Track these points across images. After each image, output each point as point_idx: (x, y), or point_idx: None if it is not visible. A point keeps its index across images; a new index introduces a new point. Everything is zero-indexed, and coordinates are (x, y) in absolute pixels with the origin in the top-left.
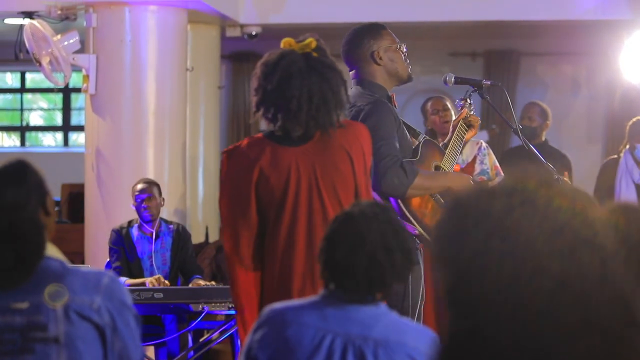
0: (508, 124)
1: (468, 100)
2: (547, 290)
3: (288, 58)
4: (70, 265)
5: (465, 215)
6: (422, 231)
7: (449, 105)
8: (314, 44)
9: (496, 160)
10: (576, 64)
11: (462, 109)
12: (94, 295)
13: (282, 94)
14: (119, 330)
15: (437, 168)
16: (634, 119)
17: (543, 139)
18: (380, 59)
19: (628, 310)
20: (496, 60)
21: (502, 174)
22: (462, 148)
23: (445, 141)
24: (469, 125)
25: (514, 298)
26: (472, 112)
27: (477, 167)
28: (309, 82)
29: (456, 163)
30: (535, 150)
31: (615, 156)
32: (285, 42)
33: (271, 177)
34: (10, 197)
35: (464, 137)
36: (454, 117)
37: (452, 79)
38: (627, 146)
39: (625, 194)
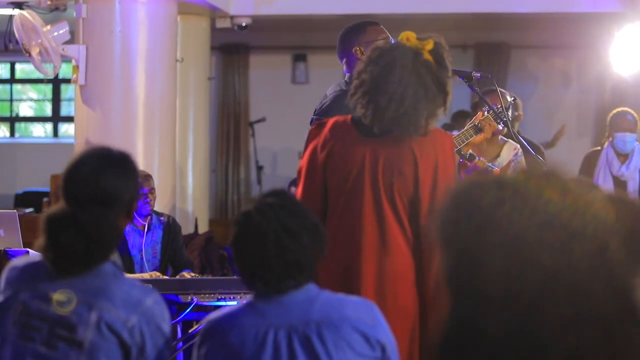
0: (498, 116)
1: (489, 110)
2: (538, 283)
3: (398, 51)
4: (122, 273)
5: (457, 208)
6: None
7: None
8: (430, 45)
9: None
10: (567, 57)
11: (481, 112)
12: (132, 313)
13: (378, 86)
14: (147, 353)
15: None
16: (615, 111)
17: (515, 129)
18: (362, 53)
19: (619, 301)
20: (487, 52)
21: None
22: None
23: None
24: (479, 129)
25: (505, 290)
26: (487, 116)
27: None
28: (406, 81)
29: (495, 168)
30: (525, 143)
31: (599, 148)
32: (404, 36)
33: (338, 162)
34: (107, 187)
35: (468, 139)
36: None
37: None
38: (610, 138)
39: (603, 186)
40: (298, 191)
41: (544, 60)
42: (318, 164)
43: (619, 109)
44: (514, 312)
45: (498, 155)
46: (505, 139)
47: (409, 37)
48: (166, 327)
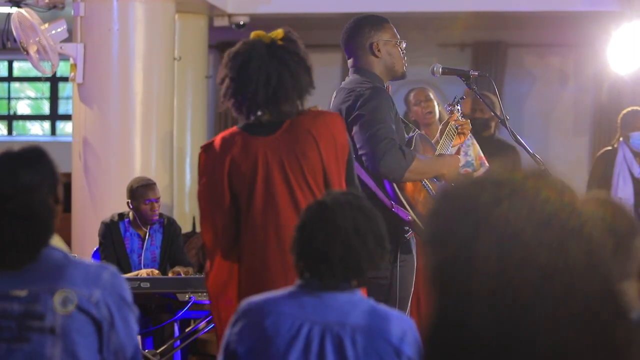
0: (495, 114)
1: (456, 106)
2: (534, 282)
3: (249, 44)
4: (72, 256)
5: (454, 206)
6: (414, 217)
7: (432, 96)
8: (281, 34)
9: (480, 151)
10: (564, 56)
11: (451, 113)
12: (94, 288)
13: (241, 79)
14: (116, 325)
15: None
16: (626, 110)
17: (492, 130)
18: (379, 51)
19: (615, 301)
20: (484, 51)
21: (487, 164)
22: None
23: (433, 140)
24: (460, 131)
25: (500, 290)
26: (460, 117)
27: (462, 159)
28: (267, 66)
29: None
30: (523, 142)
31: (610, 148)
32: (254, 34)
33: (241, 167)
34: (25, 179)
35: (452, 141)
36: (436, 108)
37: (440, 70)
38: (621, 138)
39: (623, 189)
40: (205, 220)
41: (541, 58)
42: (222, 179)
43: (630, 109)
44: (509, 311)
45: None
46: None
47: (258, 34)
48: (128, 296)
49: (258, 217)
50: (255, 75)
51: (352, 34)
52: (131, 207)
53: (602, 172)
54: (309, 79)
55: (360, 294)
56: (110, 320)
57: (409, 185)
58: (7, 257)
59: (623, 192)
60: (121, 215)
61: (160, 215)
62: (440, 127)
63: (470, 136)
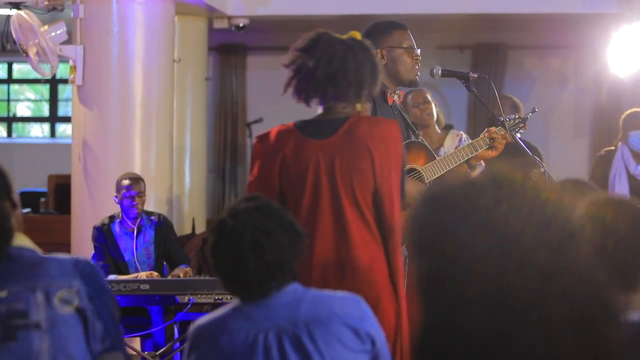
0: (495, 116)
1: (516, 121)
2: (534, 284)
3: (323, 32)
4: (43, 253)
5: (453, 208)
6: None
7: (429, 98)
8: (359, 36)
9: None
10: (563, 58)
11: (502, 126)
12: (72, 279)
13: (305, 57)
14: (99, 312)
15: (412, 170)
16: (628, 112)
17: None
18: (383, 57)
19: (612, 304)
20: (484, 53)
21: (484, 164)
22: (466, 158)
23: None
24: (491, 145)
25: (499, 290)
26: (507, 135)
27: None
28: (333, 48)
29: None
30: (521, 143)
31: (612, 147)
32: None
33: (291, 167)
34: None
35: (476, 150)
36: (434, 110)
37: (440, 72)
38: (622, 139)
39: (619, 187)
40: None
41: (541, 60)
42: (272, 175)
43: (632, 110)
44: (507, 312)
45: (442, 145)
46: (446, 130)
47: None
48: (104, 282)
49: (304, 220)
50: (319, 53)
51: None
52: (117, 201)
53: (602, 171)
54: (374, 76)
55: (300, 287)
56: (93, 308)
57: None
58: None
59: (619, 190)
60: (111, 218)
61: (152, 213)
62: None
63: (467, 137)
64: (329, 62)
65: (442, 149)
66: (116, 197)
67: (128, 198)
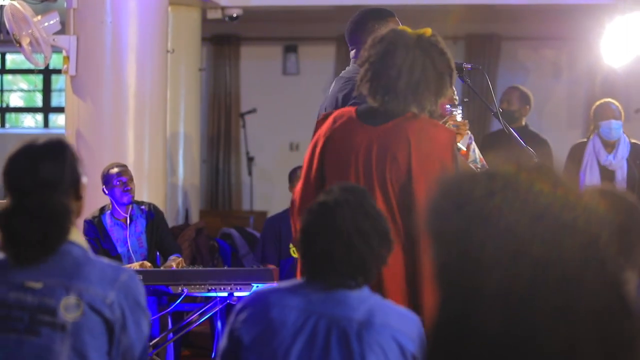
0: (489, 107)
1: (458, 108)
2: (528, 275)
3: (397, 32)
4: (92, 254)
5: (447, 200)
6: None
7: None
8: (429, 32)
9: (480, 153)
10: (557, 49)
11: (451, 113)
12: (109, 289)
13: (385, 63)
14: (128, 328)
15: None
16: (597, 102)
17: (523, 123)
18: None
19: (610, 294)
20: (477, 44)
21: (486, 166)
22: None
23: None
24: (457, 132)
25: (495, 283)
26: (460, 119)
27: (471, 155)
28: (413, 55)
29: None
30: (515, 134)
31: (585, 139)
32: (401, 28)
33: (335, 150)
34: (46, 173)
35: None
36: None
37: None
38: (595, 130)
39: (590, 179)
40: (299, 184)
41: (535, 51)
42: (316, 154)
43: (602, 101)
44: (504, 305)
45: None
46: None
47: (405, 28)
48: (143, 300)
49: None
50: (400, 61)
51: (355, 27)
52: (106, 192)
53: (573, 164)
54: (450, 80)
55: (368, 290)
56: (123, 322)
57: None
58: (21, 254)
59: (590, 182)
60: (102, 209)
61: (142, 202)
62: None
63: (470, 136)
64: (411, 72)
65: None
66: (104, 188)
67: (120, 185)
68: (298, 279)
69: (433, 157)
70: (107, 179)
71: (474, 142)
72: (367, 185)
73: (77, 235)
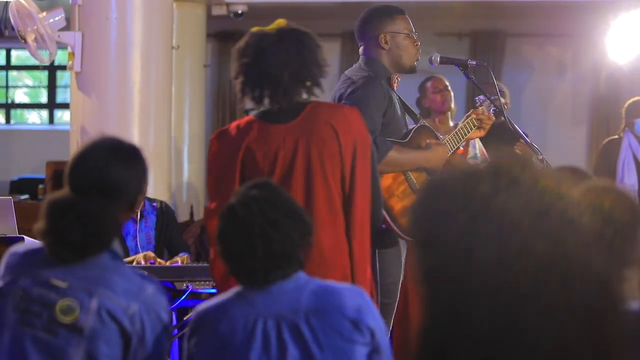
0: (493, 104)
1: (487, 101)
2: (532, 272)
3: (258, 34)
4: (122, 262)
5: (451, 197)
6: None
7: (449, 86)
8: (284, 23)
9: (482, 146)
10: (562, 46)
11: (480, 105)
12: (132, 301)
13: (261, 67)
14: (147, 342)
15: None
16: (631, 100)
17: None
18: (386, 42)
19: (612, 292)
20: (482, 40)
21: (479, 148)
22: (461, 142)
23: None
24: (479, 126)
25: (498, 280)
26: (488, 112)
27: (470, 151)
28: (284, 47)
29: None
30: (520, 131)
31: (616, 137)
32: (254, 29)
33: (257, 154)
34: (113, 178)
35: (467, 133)
36: (452, 98)
37: (438, 59)
38: (626, 128)
39: (628, 177)
40: (213, 205)
41: (540, 48)
42: (234, 168)
43: (635, 98)
44: (507, 302)
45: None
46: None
47: (259, 28)
48: (166, 316)
49: None
50: (276, 59)
51: (363, 24)
52: None
53: (607, 161)
54: (323, 57)
55: (304, 276)
56: (142, 335)
57: (388, 178)
58: (56, 250)
59: (628, 180)
60: None
61: (154, 200)
62: (463, 119)
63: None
64: (288, 64)
65: None
66: None
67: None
68: (233, 288)
69: (356, 137)
70: None
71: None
72: (306, 180)
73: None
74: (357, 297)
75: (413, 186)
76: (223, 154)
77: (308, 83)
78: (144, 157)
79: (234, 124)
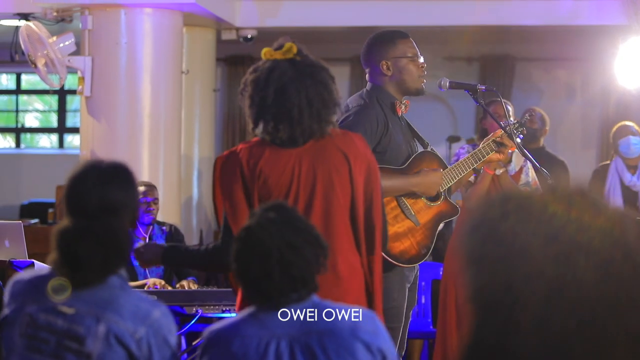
0: (502, 128)
1: (517, 125)
2: (542, 296)
3: (277, 69)
4: (129, 286)
5: (469, 223)
6: None
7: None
8: (295, 49)
9: (536, 177)
10: (571, 70)
11: (501, 130)
12: (140, 325)
13: (281, 105)
14: None
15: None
16: (616, 126)
17: (541, 144)
18: (388, 69)
19: (622, 316)
20: (491, 65)
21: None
22: (477, 163)
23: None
24: (500, 146)
25: (507, 303)
26: (503, 135)
27: (523, 178)
28: (304, 86)
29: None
30: (529, 155)
31: (608, 162)
32: (266, 53)
33: (270, 178)
34: (114, 197)
35: (485, 156)
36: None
37: (447, 84)
38: (614, 154)
39: (613, 200)
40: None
41: (549, 72)
42: (251, 191)
43: (620, 124)
44: (516, 325)
45: (510, 161)
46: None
47: (270, 52)
48: (173, 339)
49: None
50: (297, 99)
51: (366, 51)
52: None
53: (598, 185)
54: (338, 94)
55: (317, 298)
56: (149, 359)
57: None
58: (77, 278)
59: (613, 203)
60: None
61: (163, 223)
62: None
63: (526, 160)
64: (310, 105)
65: (511, 164)
66: None
67: (144, 204)
68: (247, 309)
69: (364, 160)
70: None
71: (528, 164)
72: (325, 203)
73: None
74: (370, 320)
75: (407, 212)
76: (230, 177)
77: (325, 122)
78: (132, 171)
79: (240, 147)
